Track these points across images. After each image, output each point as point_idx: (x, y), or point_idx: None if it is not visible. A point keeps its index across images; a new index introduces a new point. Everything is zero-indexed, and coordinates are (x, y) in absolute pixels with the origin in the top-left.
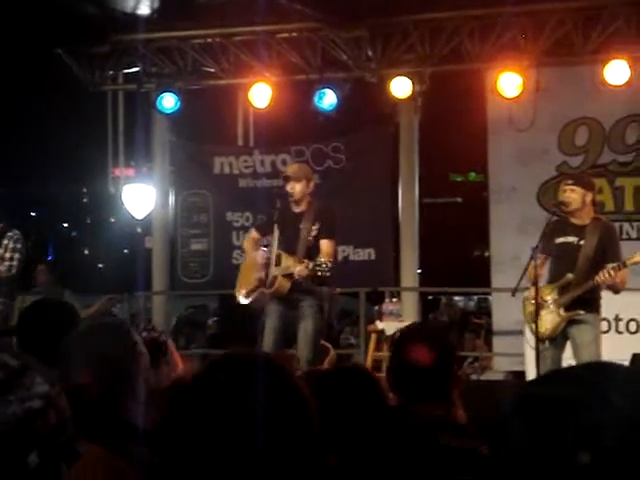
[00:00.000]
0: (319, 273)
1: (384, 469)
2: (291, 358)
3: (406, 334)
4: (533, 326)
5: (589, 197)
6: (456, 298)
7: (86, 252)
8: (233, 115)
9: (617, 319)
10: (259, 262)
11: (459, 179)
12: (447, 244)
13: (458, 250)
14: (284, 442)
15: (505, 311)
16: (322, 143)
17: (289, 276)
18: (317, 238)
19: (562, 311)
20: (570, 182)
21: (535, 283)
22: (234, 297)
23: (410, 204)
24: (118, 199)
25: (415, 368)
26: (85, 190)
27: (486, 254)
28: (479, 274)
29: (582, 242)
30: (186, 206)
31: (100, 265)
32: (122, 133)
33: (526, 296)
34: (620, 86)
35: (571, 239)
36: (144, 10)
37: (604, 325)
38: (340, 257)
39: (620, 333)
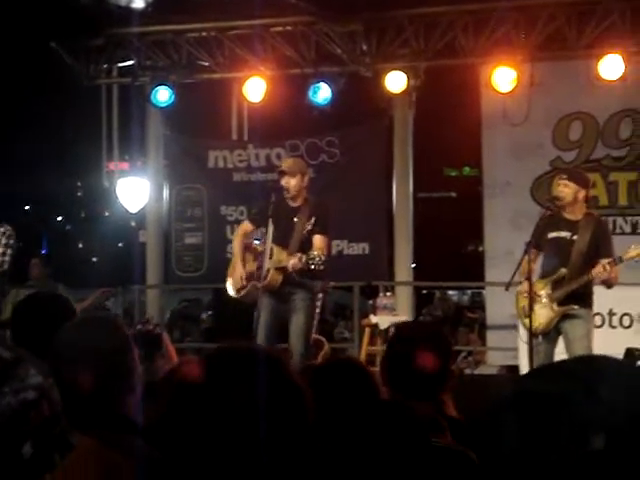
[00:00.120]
0: (312, 266)
1: (375, 462)
2: (284, 352)
3: (408, 336)
4: (526, 321)
5: (582, 193)
6: (450, 292)
7: (80, 246)
8: (227, 109)
9: (611, 314)
10: (258, 250)
11: (453, 174)
12: (441, 238)
13: (452, 244)
14: (281, 433)
15: (499, 305)
16: (316, 137)
17: (281, 269)
18: (311, 233)
19: (555, 306)
20: (564, 177)
21: (528, 278)
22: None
23: (404, 198)
24: (112, 193)
25: (421, 373)
26: (79, 184)
27: (480, 248)
28: (473, 268)
29: (575, 237)
30: (180, 200)
31: (94, 259)
32: (116, 127)
33: (519, 290)
34: (614, 81)
35: (564, 234)
36: (139, 3)
37: (598, 320)
38: (334, 251)
39: (614, 327)
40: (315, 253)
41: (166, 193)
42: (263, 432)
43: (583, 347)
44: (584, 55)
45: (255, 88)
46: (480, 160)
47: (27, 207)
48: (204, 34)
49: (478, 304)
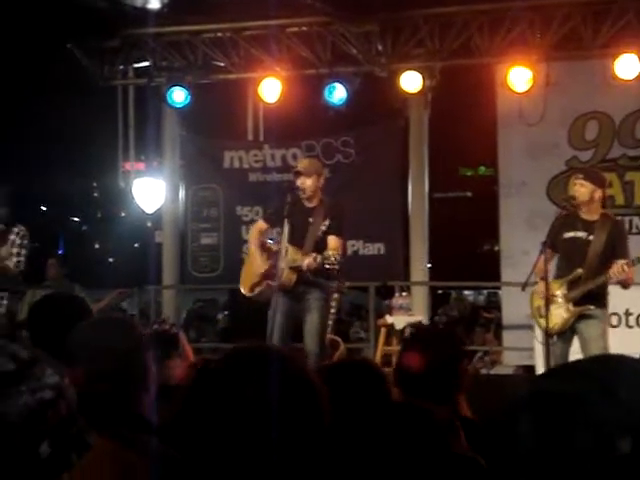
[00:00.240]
0: (327, 266)
1: (391, 467)
2: (300, 352)
3: (406, 340)
4: (540, 320)
5: (598, 193)
6: (466, 292)
7: (96, 246)
8: (243, 109)
9: (627, 313)
10: (272, 250)
11: (469, 173)
12: (457, 238)
13: (468, 244)
14: (297, 434)
15: (515, 305)
16: (332, 137)
17: (295, 269)
18: (326, 233)
19: (571, 306)
20: (581, 176)
21: (544, 278)
22: None
23: (420, 198)
24: (128, 193)
25: (410, 373)
26: (95, 184)
27: (496, 248)
28: (489, 268)
29: (591, 237)
30: (196, 200)
31: (110, 259)
32: (132, 127)
33: (534, 290)
34: (630, 80)
35: (580, 234)
36: (154, 4)
37: (614, 320)
38: (350, 251)
39: (630, 327)
40: (330, 253)
41: (182, 193)
42: (278, 432)
43: (599, 347)
44: (600, 55)
45: (271, 88)
46: (496, 160)
47: (43, 208)
48: (220, 35)
49: (494, 304)
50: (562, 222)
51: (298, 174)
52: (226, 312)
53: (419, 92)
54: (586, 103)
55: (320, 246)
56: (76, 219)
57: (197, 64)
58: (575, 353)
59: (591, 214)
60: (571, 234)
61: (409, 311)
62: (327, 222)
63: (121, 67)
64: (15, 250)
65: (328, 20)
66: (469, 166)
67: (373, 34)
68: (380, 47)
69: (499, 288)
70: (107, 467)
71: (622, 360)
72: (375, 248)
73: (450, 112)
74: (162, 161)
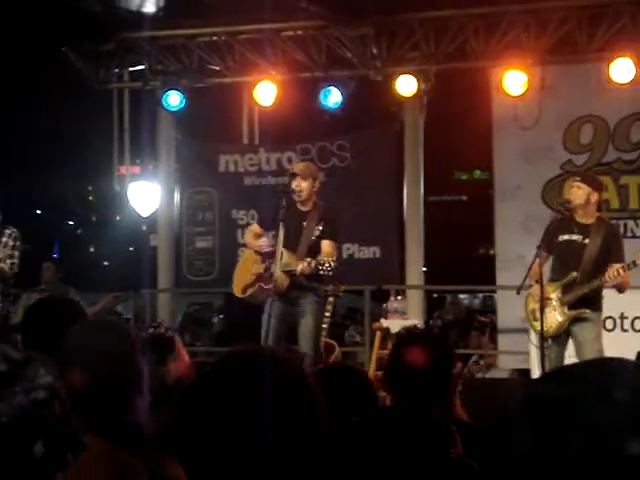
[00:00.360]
0: (321, 272)
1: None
2: (298, 354)
3: (403, 338)
4: (535, 324)
5: (594, 197)
6: (461, 296)
7: (91, 250)
8: (238, 113)
9: (622, 317)
10: (264, 251)
11: (464, 177)
12: (452, 242)
13: (463, 248)
14: (294, 437)
15: (510, 309)
16: (327, 141)
17: (288, 272)
18: (319, 238)
19: (566, 309)
20: (578, 179)
21: (539, 281)
22: None
23: (415, 202)
24: (124, 197)
25: (411, 371)
26: (90, 188)
27: (491, 252)
28: (484, 272)
29: (586, 241)
30: (191, 204)
31: (105, 263)
32: (127, 131)
33: (529, 293)
34: (625, 84)
35: (575, 237)
36: (150, 8)
37: (609, 323)
38: (345, 255)
39: (625, 331)
40: (325, 259)
41: (177, 197)
42: (274, 435)
43: (594, 350)
44: (595, 58)
45: (266, 92)
46: (491, 163)
47: (38, 211)
48: (215, 38)
49: (489, 308)
50: (557, 225)
51: (294, 176)
52: (221, 316)
53: (414, 96)
54: (581, 107)
55: (314, 250)
56: (71, 223)
57: (192, 68)
58: (570, 356)
59: (587, 217)
60: (566, 237)
61: (404, 315)
62: (321, 226)
63: (116, 71)
64: (8, 252)
65: (323, 24)
66: (464, 170)
67: (368, 38)
68: (375, 51)
69: (494, 292)
70: (101, 466)
71: (617, 363)
72: (370, 252)
73: (445, 116)
74: (157, 165)
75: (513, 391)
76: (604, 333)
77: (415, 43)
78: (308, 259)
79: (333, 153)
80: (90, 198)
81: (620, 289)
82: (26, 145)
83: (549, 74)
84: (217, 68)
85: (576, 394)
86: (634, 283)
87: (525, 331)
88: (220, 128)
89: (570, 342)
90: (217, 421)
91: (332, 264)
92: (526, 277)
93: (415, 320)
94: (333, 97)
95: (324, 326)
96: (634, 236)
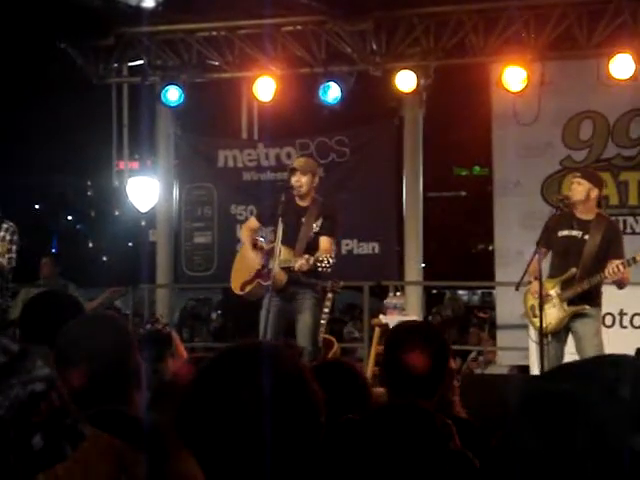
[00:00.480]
0: (320, 269)
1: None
2: (294, 348)
3: (401, 336)
4: (534, 320)
5: (594, 193)
6: (460, 292)
7: (90, 245)
8: (237, 108)
9: (621, 314)
10: (264, 249)
11: (463, 173)
12: (451, 238)
13: (462, 244)
14: (292, 431)
15: (509, 305)
16: (326, 136)
17: (287, 269)
18: (318, 234)
19: (566, 305)
20: (578, 175)
21: (538, 277)
22: None
23: (414, 198)
24: (122, 192)
25: (408, 367)
26: (89, 183)
27: (490, 248)
28: (483, 268)
29: (586, 237)
30: (190, 199)
31: (104, 258)
32: (126, 126)
33: (528, 289)
34: (625, 80)
35: (575, 233)
36: (149, 3)
37: (609, 319)
38: (344, 251)
39: (624, 327)
40: (323, 256)
41: (176, 192)
42: (273, 429)
43: (593, 346)
44: (595, 54)
45: (265, 87)
46: (490, 159)
47: (37, 206)
48: (214, 33)
49: (488, 304)
50: (557, 221)
51: (294, 171)
52: (220, 311)
53: (414, 91)
54: (580, 103)
55: (312, 247)
56: (70, 218)
57: (191, 63)
58: (569, 353)
59: (586, 213)
60: (566, 233)
61: (403, 311)
62: (319, 222)
63: (115, 65)
64: (6, 247)
65: (323, 19)
66: (464, 166)
67: (368, 33)
68: (375, 46)
69: (493, 288)
70: (102, 457)
71: (622, 359)
72: (369, 247)
73: (445, 111)
74: (156, 160)
75: (512, 387)
76: (603, 329)
77: (415, 39)
78: (306, 256)
79: (332, 148)
80: (89, 193)
81: (620, 285)
82: (25, 140)
83: (549, 70)
84: (216, 63)
85: (581, 391)
86: (633, 279)
87: (524, 327)
88: (219, 123)
89: (570, 338)
90: (217, 416)
91: (330, 261)
92: (525, 273)
93: (414, 316)
94: (332, 92)
95: (323, 322)
96: (633, 232)
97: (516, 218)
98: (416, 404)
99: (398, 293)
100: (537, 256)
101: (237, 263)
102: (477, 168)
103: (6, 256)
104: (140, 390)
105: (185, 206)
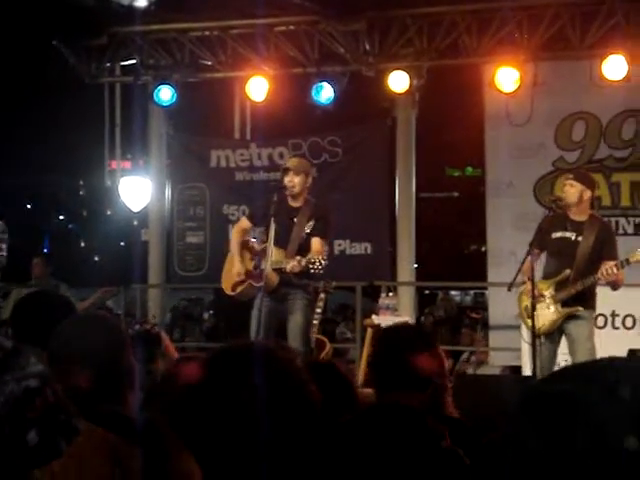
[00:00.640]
0: (312, 270)
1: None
2: (290, 349)
3: (391, 339)
4: (528, 321)
5: (587, 194)
6: (452, 293)
7: (82, 245)
8: (230, 108)
9: (614, 315)
10: (256, 249)
11: (456, 174)
12: (444, 239)
13: (454, 245)
14: (288, 430)
15: (501, 306)
16: (319, 136)
17: (278, 270)
18: (310, 235)
19: (560, 307)
20: (571, 177)
21: (531, 278)
22: None
23: (407, 198)
24: (115, 192)
25: (419, 374)
26: (82, 182)
27: (482, 249)
28: (475, 269)
29: (580, 238)
30: (182, 199)
31: (96, 258)
32: (119, 126)
33: (523, 290)
34: (618, 81)
35: (569, 234)
36: (141, 2)
37: (601, 321)
38: (337, 251)
39: (616, 329)
40: (315, 257)
41: (168, 192)
42: (268, 429)
43: (586, 348)
44: (587, 55)
45: (258, 87)
46: (483, 160)
47: (29, 206)
48: (207, 33)
49: (481, 304)
50: (550, 222)
51: (287, 170)
52: (211, 311)
53: (406, 92)
54: (573, 103)
55: (304, 248)
56: (62, 217)
57: (184, 62)
58: (562, 353)
59: (580, 215)
60: (559, 234)
61: (395, 311)
62: (312, 223)
63: (108, 65)
64: None
65: (316, 19)
66: (456, 166)
67: (361, 33)
68: (368, 46)
69: (486, 288)
70: (98, 452)
71: (621, 361)
72: (362, 248)
73: (437, 112)
74: (148, 160)
75: (505, 388)
76: (595, 331)
77: (408, 39)
78: (298, 257)
79: (325, 149)
80: (81, 193)
81: (614, 287)
82: (16, 139)
83: (541, 71)
84: (209, 63)
85: (581, 391)
86: (626, 281)
87: (517, 328)
88: (212, 123)
89: (563, 339)
90: (213, 415)
91: (322, 262)
92: (517, 274)
93: (406, 317)
94: (325, 93)
95: (315, 322)
96: (625, 233)
97: (509, 219)
98: (405, 403)
99: (391, 293)
100: (530, 257)
101: (227, 264)
102: (470, 169)
103: None
104: (134, 390)
105: (177, 206)
